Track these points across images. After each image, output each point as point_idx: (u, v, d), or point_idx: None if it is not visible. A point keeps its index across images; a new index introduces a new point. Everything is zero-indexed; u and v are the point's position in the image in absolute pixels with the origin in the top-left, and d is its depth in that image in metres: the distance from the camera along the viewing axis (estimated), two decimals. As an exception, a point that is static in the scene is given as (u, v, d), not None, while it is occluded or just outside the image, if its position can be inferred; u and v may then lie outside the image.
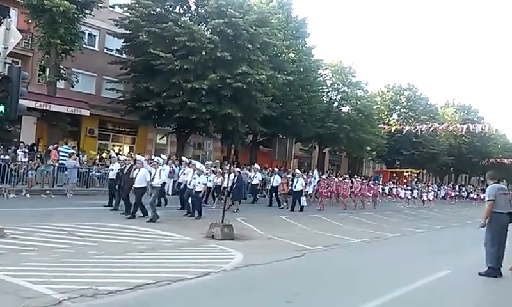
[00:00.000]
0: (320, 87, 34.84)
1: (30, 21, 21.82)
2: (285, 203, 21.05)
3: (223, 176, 17.87)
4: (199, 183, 14.28)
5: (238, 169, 18.85)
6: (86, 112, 23.91)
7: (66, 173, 18.58)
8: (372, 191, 27.19)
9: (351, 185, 25.91)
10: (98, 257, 8.19)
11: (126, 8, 24.79)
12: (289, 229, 14.62)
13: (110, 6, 25.76)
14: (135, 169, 13.54)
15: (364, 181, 28.39)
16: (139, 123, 27.63)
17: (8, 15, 20.65)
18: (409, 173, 47.27)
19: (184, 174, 16.39)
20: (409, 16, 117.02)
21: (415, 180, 47.27)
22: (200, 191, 14.38)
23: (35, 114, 22.10)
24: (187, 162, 17.23)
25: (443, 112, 57.87)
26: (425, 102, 52.10)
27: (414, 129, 38.58)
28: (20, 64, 21.73)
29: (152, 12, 24.24)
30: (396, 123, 47.44)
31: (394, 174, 45.22)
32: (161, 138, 30.37)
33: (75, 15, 21.25)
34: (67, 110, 22.71)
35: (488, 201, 8.91)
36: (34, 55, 23.84)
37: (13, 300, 5.40)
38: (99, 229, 11.01)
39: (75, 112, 23.34)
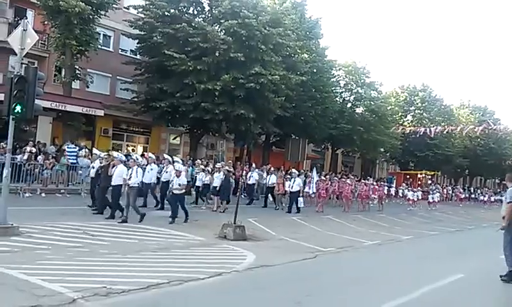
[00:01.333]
0: (333, 88, 34.65)
1: (46, 22, 22.10)
2: (280, 204, 20.45)
3: (212, 175, 17.51)
4: (179, 185, 13.11)
5: (227, 168, 17.95)
6: (101, 112, 24.12)
7: (80, 172, 18.79)
8: (377, 193, 26.59)
9: (354, 186, 25.11)
10: (112, 256, 8.27)
11: (140, 9, 24.96)
12: (301, 230, 14.60)
13: (125, 7, 25.96)
14: (112, 166, 12.91)
15: (368, 182, 27.55)
16: (153, 123, 27.80)
17: (25, 16, 20.97)
18: (424, 175, 46.78)
19: (166, 172, 15.80)
20: (424, 16, 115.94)
21: (429, 181, 46.81)
22: (178, 194, 13.14)
23: (51, 114, 22.37)
24: (170, 160, 16.52)
25: (458, 113, 57.16)
26: (440, 103, 51.51)
27: (428, 131, 38.12)
28: (36, 65, 22.20)
29: (166, 13, 24.36)
30: (410, 124, 46.99)
31: (408, 176, 44.80)
32: (174, 138, 30.52)
33: (91, 16, 21.48)
34: (82, 110, 22.94)
35: (509, 203, 8.75)
36: (50, 56, 24.15)
37: (28, 298, 5.48)
38: (113, 228, 11.13)
39: (90, 112, 23.56)
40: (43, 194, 16.69)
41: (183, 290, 6.65)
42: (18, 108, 9.12)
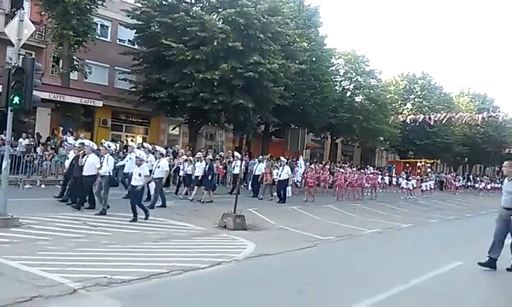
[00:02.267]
0: (332, 77, 34.52)
1: (43, 13, 21.97)
2: (269, 194, 19.57)
3: (194, 165, 16.72)
4: (139, 175, 11.33)
5: (210, 157, 17.35)
6: (99, 103, 24.07)
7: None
8: (371, 181, 26.30)
9: (346, 174, 24.08)
10: (112, 246, 8.30)
11: (138, -1, 24.79)
12: (301, 219, 14.63)
13: (122, -3, 25.81)
14: (83, 155, 12.20)
15: (362, 170, 27.33)
16: (152, 114, 27.75)
17: (22, 6, 20.82)
18: (423, 163, 46.82)
19: (147, 162, 14.86)
20: (423, 4, 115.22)
21: (428, 170, 46.84)
22: (137, 185, 11.31)
23: (49, 105, 22.32)
24: (134, 147, 15.86)
25: (458, 101, 57.07)
26: (439, 91, 51.38)
27: (428, 118, 38.01)
28: (33, 56, 21.92)
29: (164, 2, 24.20)
30: (410, 112, 46.90)
31: (407, 165, 44.84)
32: (173, 128, 30.52)
33: (88, 6, 21.35)
34: (81, 101, 22.90)
35: None
36: (48, 46, 24.03)
37: (29, 289, 5.49)
38: (113, 219, 11.14)
39: (89, 103, 23.51)
40: (42, 186, 16.69)
41: (183, 279, 6.67)
42: (16, 99, 9.09)
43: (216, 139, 34.47)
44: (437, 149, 48.00)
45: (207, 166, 16.30)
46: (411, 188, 29.62)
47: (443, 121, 40.95)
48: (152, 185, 14.14)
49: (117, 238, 9.04)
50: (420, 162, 46.71)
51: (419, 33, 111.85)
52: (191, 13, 23.25)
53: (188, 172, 16.83)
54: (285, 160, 20.39)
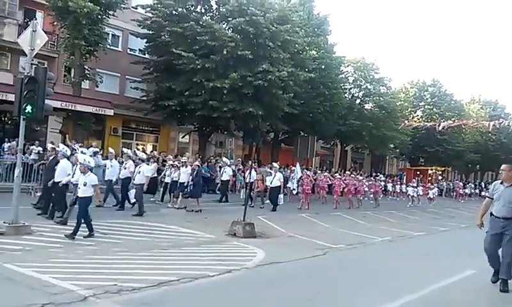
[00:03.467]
0: (342, 84, 34.49)
1: (55, 23, 22.28)
2: (259, 202, 18.79)
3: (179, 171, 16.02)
4: (85, 184, 9.68)
5: (197, 163, 16.47)
6: (110, 112, 24.29)
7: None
8: (373, 188, 25.79)
9: (345, 181, 23.45)
10: (122, 254, 8.33)
11: (148, 9, 25.07)
12: (311, 227, 14.57)
13: (133, 7, 26.10)
14: (56, 162, 11.55)
15: (360, 177, 26.54)
16: (162, 122, 27.93)
17: (34, 17, 21.17)
18: (434, 171, 46.40)
19: (125, 168, 14.81)
20: (434, 11, 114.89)
21: (440, 177, 46.42)
22: (84, 196, 9.66)
23: (61, 114, 22.57)
24: (129, 155, 15.55)
25: (469, 108, 56.59)
26: (450, 98, 50.96)
27: (438, 125, 37.72)
28: (46, 65, 22.38)
29: (174, 12, 24.45)
30: (420, 119, 46.59)
31: (418, 172, 44.46)
32: (183, 136, 30.65)
33: (99, 16, 21.61)
34: (92, 110, 23.12)
35: None
36: (60, 56, 24.34)
37: (41, 296, 5.53)
38: (123, 226, 11.20)
39: (100, 112, 23.74)
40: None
41: (193, 287, 6.67)
42: (28, 108, 9.21)
43: (225, 146, 34.54)
44: (448, 157, 47.55)
45: (194, 172, 15.50)
46: (415, 195, 29.08)
47: (454, 128, 40.67)
48: (132, 192, 14.04)
49: (127, 245, 9.08)
50: (431, 170, 46.31)
51: (429, 40, 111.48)
52: (201, 23, 23.45)
53: (174, 178, 16.24)
54: (277, 167, 19.62)
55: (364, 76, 37.09)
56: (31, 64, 9.86)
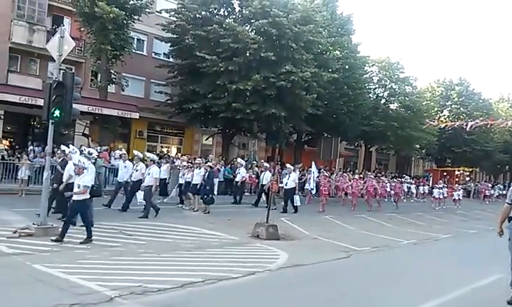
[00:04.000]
0: (366, 84, 34.11)
1: (82, 29, 22.80)
2: (273, 204, 18.12)
3: (193, 172, 15.80)
4: (78, 187, 9.23)
5: (209, 164, 16.14)
6: (136, 115, 24.69)
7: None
8: (394, 190, 25.08)
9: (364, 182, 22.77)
10: (148, 255, 8.45)
11: (172, 13, 25.37)
12: (334, 229, 14.46)
13: (157, 11, 26.45)
14: (65, 164, 11.41)
15: (380, 179, 25.63)
16: (186, 125, 28.21)
17: (62, 23, 21.65)
18: (461, 172, 45.37)
19: (137, 170, 14.34)
20: (460, 8, 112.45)
21: (467, 178, 45.35)
22: (78, 200, 9.23)
23: (88, 117, 23.07)
24: (140, 157, 15.00)
25: (498, 107, 55.14)
26: (478, 97, 49.81)
27: (465, 125, 36.84)
28: (73, 71, 22.74)
29: (198, 15, 24.68)
30: (447, 119, 45.65)
31: (445, 173, 43.57)
32: (207, 139, 30.88)
33: (124, 21, 21.99)
34: (118, 113, 23.56)
35: None
36: (87, 61, 24.89)
37: (68, 296, 5.67)
38: (148, 228, 11.35)
39: (126, 115, 24.17)
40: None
41: (217, 288, 6.71)
42: (57, 112, 9.43)
43: (248, 148, 34.61)
44: (476, 157, 46.40)
45: (206, 174, 15.26)
46: (441, 197, 28.25)
47: (482, 128, 39.63)
48: (140, 194, 13.86)
49: (152, 247, 9.20)
50: (459, 171, 45.30)
51: (456, 38, 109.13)
52: (224, 25, 23.58)
53: (187, 179, 16.07)
54: (292, 168, 18.86)
55: (389, 75, 36.64)
56: (59, 69, 10.09)
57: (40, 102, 11.23)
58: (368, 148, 39.73)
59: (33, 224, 9.48)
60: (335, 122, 30.23)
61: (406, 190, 30.81)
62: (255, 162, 25.59)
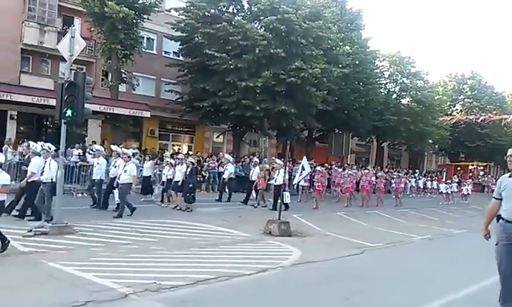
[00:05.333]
0: (377, 79, 33.91)
1: (92, 29, 22.96)
2: (261, 202, 17.36)
3: (174, 168, 15.06)
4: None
5: (191, 160, 15.33)
6: (147, 114, 24.83)
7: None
8: (396, 185, 24.25)
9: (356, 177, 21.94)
10: (161, 252, 8.48)
11: (181, 11, 25.44)
12: (347, 225, 14.40)
13: (166, 10, 26.56)
14: (28, 160, 11.07)
15: (379, 174, 24.83)
16: (197, 123, 28.30)
17: (73, 24, 21.89)
18: (475, 166, 44.90)
19: (115, 167, 13.66)
20: (470, 1, 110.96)
21: (481, 173, 44.83)
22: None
23: (100, 117, 23.24)
24: (118, 152, 14.15)
25: (511, 100, 54.39)
26: (491, 90, 49.22)
27: (478, 119, 36.48)
28: (84, 70, 23.02)
29: (207, 13, 24.71)
30: (460, 113, 45.17)
31: (459, 168, 43.14)
32: (218, 136, 30.96)
33: (134, 21, 22.11)
34: (129, 112, 23.71)
35: None
36: (97, 61, 25.09)
37: (83, 294, 5.71)
38: (161, 225, 11.39)
39: (137, 114, 24.31)
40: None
41: (230, 285, 6.71)
42: (69, 112, 9.49)
43: (259, 145, 34.61)
44: (490, 152, 45.82)
45: (188, 170, 14.52)
46: (449, 192, 27.56)
47: (496, 121, 39.16)
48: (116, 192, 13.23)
49: (165, 244, 9.23)
50: (472, 165, 44.80)
51: (467, 32, 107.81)
52: (233, 23, 23.57)
53: (169, 176, 15.38)
54: (281, 163, 17.61)
55: (400, 70, 36.39)
56: (70, 69, 10.16)
57: (52, 102, 11.31)
58: (380, 143, 39.49)
59: (48, 222, 9.57)
60: (346, 118, 30.10)
61: (414, 185, 30.51)
62: (266, 159, 25.55)
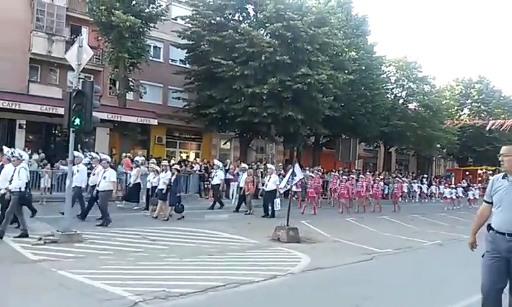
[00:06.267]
0: (384, 85, 33.87)
1: (100, 38, 23.18)
2: (250, 210, 16.74)
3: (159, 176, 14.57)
4: None
5: (177, 167, 14.85)
6: (154, 122, 24.97)
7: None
8: (395, 191, 23.54)
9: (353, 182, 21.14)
10: (170, 260, 8.48)
11: (187, 19, 25.61)
12: (356, 231, 14.32)
13: (172, 19, 26.75)
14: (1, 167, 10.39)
15: (372, 178, 23.81)
16: (204, 130, 28.38)
17: (80, 33, 22.13)
18: (484, 171, 44.52)
19: (94, 174, 13.29)
20: (477, 5, 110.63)
21: (490, 177, 44.44)
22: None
23: (108, 125, 23.39)
24: (99, 159, 13.61)
25: (520, 104, 53.97)
26: (498, 94, 48.89)
27: (490, 124, 36.13)
28: (92, 79, 23.31)
29: (213, 21, 24.84)
30: (467, 118, 44.90)
31: (467, 173, 42.81)
32: (225, 143, 31.02)
33: (141, 29, 22.30)
34: (137, 120, 23.87)
35: None
36: (105, 69, 25.29)
37: (92, 302, 5.72)
38: (170, 233, 11.41)
39: (144, 122, 24.46)
40: None
41: (239, 292, 6.68)
42: (77, 121, 9.56)
43: (266, 152, 34.62)
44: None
45: (173, 177, 13.97)
46: (454, 197, 26.67)
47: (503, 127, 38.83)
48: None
49: (174, 251, 9.23)
50: (481, 170, 44.45)
51: (474, 36, 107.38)
52: (239, 30, 23.67)
53: (154, 184, 14.87)
54: (273, 168, 17.52)
55: (406, 75, 36.33)
56: (78, 78, 10.24)
57: (61, 111, 11.37)
58: (388, 148, 39.33)
59: (57, 230, 9.61)
60: (353, 123, 30.05)
61: (417, 190, 30.14)
62: (273, 165, 25.45)
